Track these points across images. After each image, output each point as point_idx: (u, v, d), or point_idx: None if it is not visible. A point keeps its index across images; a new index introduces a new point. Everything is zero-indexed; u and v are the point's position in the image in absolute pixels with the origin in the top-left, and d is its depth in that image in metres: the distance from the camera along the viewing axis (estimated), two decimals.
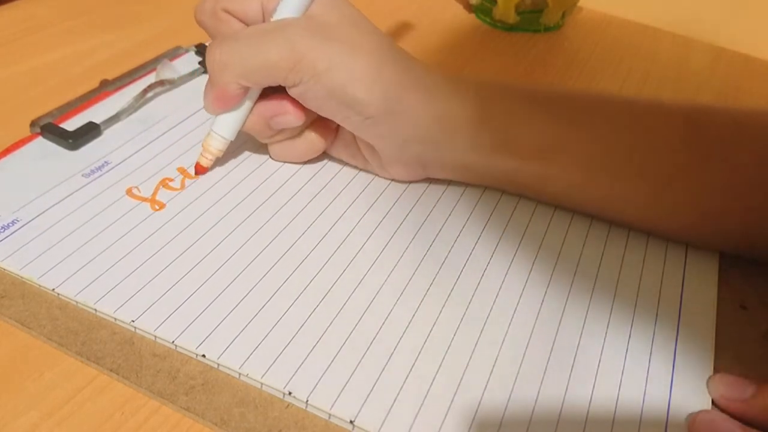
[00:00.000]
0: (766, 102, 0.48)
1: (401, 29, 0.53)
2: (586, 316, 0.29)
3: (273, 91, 0.33)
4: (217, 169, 0.36)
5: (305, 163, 0.37)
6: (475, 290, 0.30)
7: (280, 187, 0.35)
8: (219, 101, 0.33)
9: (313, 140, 0.36)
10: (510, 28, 0.54)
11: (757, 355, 0.29)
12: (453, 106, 0.33)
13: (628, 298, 0.31)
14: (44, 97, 0.41)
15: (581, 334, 0.29)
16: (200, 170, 0.35)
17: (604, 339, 0.29)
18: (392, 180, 0.36)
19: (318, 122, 0.35)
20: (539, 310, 0.30)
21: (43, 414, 0.25)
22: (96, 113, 0.39)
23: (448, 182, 0.36)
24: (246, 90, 0.33)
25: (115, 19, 0.51)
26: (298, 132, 0.35)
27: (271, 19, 0.32)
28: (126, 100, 0.40)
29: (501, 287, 0.30)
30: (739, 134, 0.32)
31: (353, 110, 0.32)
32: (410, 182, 0.36)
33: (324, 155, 0.37)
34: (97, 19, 0.51)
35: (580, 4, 0.54)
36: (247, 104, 0.33)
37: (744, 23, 0.59)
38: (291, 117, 0.33)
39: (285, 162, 0.37)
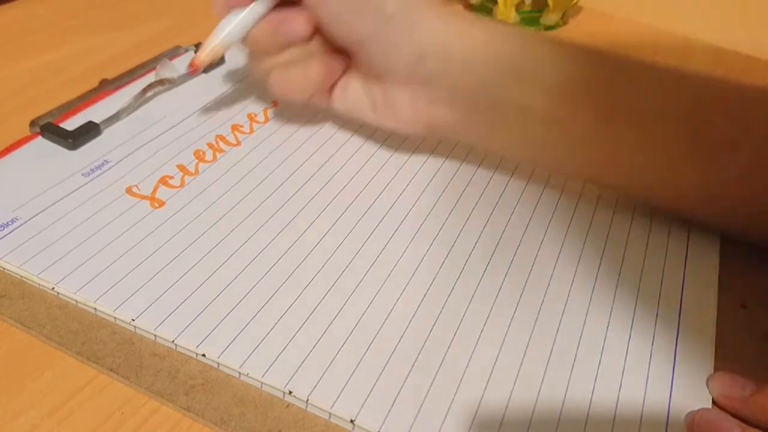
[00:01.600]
0: None
1: None
2: (585, 316, 0.29)
3: (284, 7, 0.33)
4: (217, 167, 0.36)
5: (306, 161, 0.37)
6: (475, 290, 0.30)
7: (281, 185, 0.35)
8: None
9: (313, 75, 0.34)
10: None
11: (757, 355, 0.29)
12: (476, 29, 0.31)
13: (628, 298, 0.31)
14: (44, 97, 0.41)
15: (581, 334, 0.29)
16: (193, 66, 0.35)
17: (604, 339, 0.29)
18: (393, 131, 0.35)
19: (325, 55, 0.34)
20: (539, 310, 0.30)
21: (42, 413, 0.25)
22: (96, 113, 0.39)
23: (448, 182, 0.36)
24: None
25: (115, 18, 0.51)
26: (303, 58, 0.34)
27: None
28: (126, 99, 0.40)
29: (501, 288, 0.30)
30: (747, 113, 0.31)
31: (368, 14, 0.31)
32: (411, 131, 0.35)
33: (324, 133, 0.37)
34: (96, 18, 0.51)
35: (580, 3, 0.54)
36: (258, 10, 0.33)
37: (744, 23, 0.59)
38: (297, 25, 0.33)
39: (285, 99, 0.36)
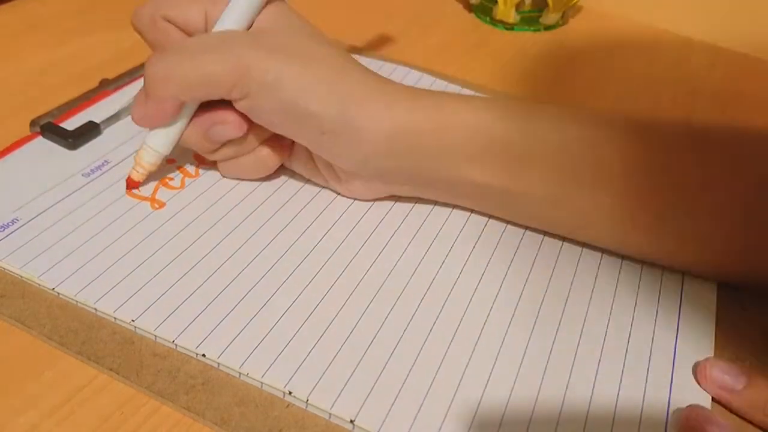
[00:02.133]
0: (764, 102, 0.48)
1: (401, 29, 0.53)
2: (585, 316, 0.29)
3: (213, 103, 0.31)
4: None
5: None
6: (475, 290, 0.30)
7: (281, 185, 0.35)
8: (155, 116, 0.31)
9: (264, 158, 0.33)
10: (510, 27, 0.54)
11: (756, 355, 0.29)
12: (417, 115, 0.30)
13: (628, 298, 0.31)
14: (44, 97, 0.41)
15: (581, 333, 0.29)
16: (132, 185, 0.33)
17: (604, 339, 0.29)
18: (354, 199, 0.34)
19: (270, 138, 0.33)
20: (539, 309, 0.30)
21: (42, 413, 0.25)
22: (96, 112, 0.39)
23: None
24: (182, 104, 0.31)
25: (115, 18, 0.51)
26: (249, 149, 0.33)
27: (215, 30, 0.31)
28: (126, 99, 0.40)
29: (500, 288, 0.30)
30: (731, 160, 0.30)
31: (307, 125, 0.30)
32: (372, 200, 0.34)
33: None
34: (96, 18, 0.51)
35: (580, 3, 0.54)
36: (185, 117, 0.31)
37: (744, 23, 0.59)
38: (230, 127, 0.31)
39: (237, 179, 0.35)
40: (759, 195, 0.30)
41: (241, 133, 0.32)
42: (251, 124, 0.31)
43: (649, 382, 0.27)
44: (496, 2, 0.53)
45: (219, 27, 0.31)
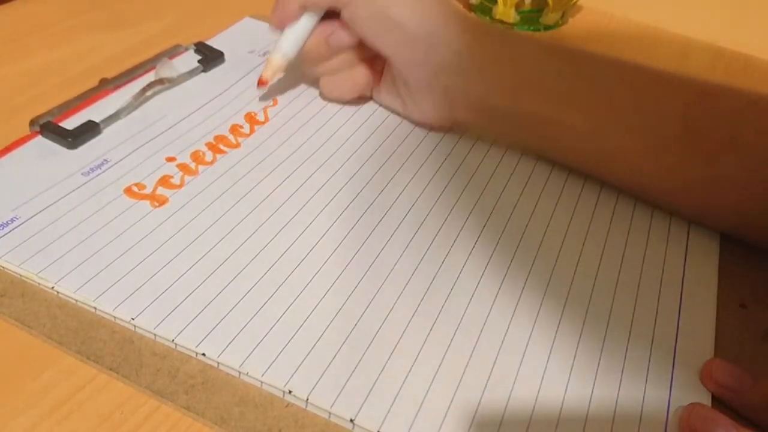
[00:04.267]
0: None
1: None
2: (585, 316, 0.29)
3: (331, 20, 0.38)
4: (217, 167, 0.36)
5: (305, 160, 0.37)
6: (474, 291, 0.30)
7: (279, 185, 0.35)
8: (284, 17, 0.38)
9: (360, 75, 0.40)
10: (510, 27, 0.54)
11: (756, 354, 0.29)
12: (484, 42, 0.36)
13: (628, 298, 0.31)
14: (44, 96, 0.41)
15: (581, 333, 0.29)
16: (261, 83, 0.39)
17: (604, 338, 0.29)
18: (422, 126, 0.40)
19: (366, 60, 0.40)
20: (538, 310, 0.30)
21: (42, 413, 0.25)
22: (95, 112, 0.39)
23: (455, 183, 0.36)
24: (303, 9, 0.38)
25: (115, 18, 0.51)
26: (349, 65, 0.39)
27: None
28: (125, 98, 0.40)
29: (500, 289, 0.30)
30: (746, 116, 0.33)
31: (393, 32, 0.36)
32: (435, 126, 0.39)
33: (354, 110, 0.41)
34: (96, 18, 0.51)
35: (579, 3, 0.54)
36: (308, 26, 0.38)
37: (744, 22, 0.59)
38: (345, 37, 0.38)
39: (334, 99, 0.41)
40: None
41: (352, 43, 0.38)
42: (356, 42, 0.38)
43: (649, 381, 0.27)
44: (496, 2, 0.53)
45: None
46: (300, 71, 0.42)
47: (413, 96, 0.39)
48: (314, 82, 0.43)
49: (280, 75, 0.40)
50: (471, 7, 0.56)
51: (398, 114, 0.41)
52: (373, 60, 0.40)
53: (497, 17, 0.53)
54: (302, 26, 0.38)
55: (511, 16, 0.53)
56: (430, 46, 0.36)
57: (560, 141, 0.37)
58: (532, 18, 0.54)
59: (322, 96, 0.42)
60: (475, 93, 0.37)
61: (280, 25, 0.39)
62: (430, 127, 0.40)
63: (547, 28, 0.54)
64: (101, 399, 0.25)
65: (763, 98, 0.33)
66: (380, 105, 0.42)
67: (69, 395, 0.25)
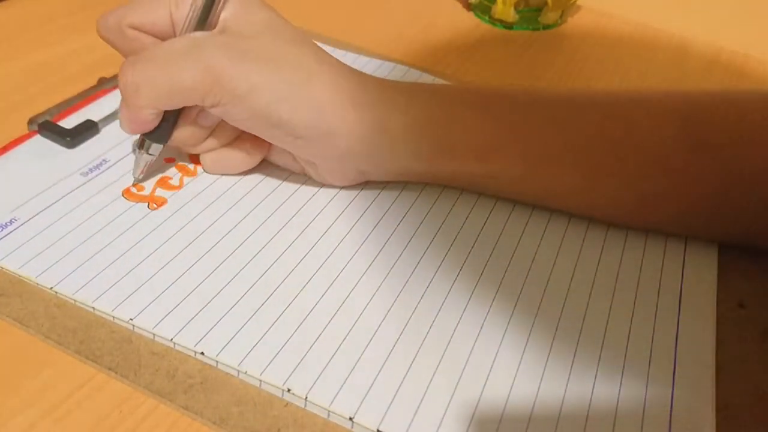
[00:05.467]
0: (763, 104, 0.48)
1: (400, 28, 0.53)
2: (584, 316, 0.29)
3: None
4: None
5: None
6: (474, 289, 0.30)
7: (279, 185, 0.35)
8: (135, 124, 0.31)
9: (247, 150, 0.34)
10: (509, 26, 0.54)
11: (756, 354, 0.29)
12: (390, 117, 0.31)
13: (627, 299, 0.31)
14: (41, 94, 0.41)
15: (580, 333, 0.29)
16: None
17: (603, 338, 0.29)
18: (331, 186, 0.35)
19: (249, 134, 0.33)
20: (537, 310, 0.29)
21: (40, 412, 0.25)
22: (94, 111, 0.39)
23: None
24: (161, 113, 0.31)
25: None
26: (230, 140, 0.33)
27: (184, 32, 0.30)
28: None
29: (499, 287, 0.30)
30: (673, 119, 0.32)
31: (281, 131, 0.30)
32: (349, 186, 0.35)
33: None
34: (93, 16, 0.50)
35: (579, 2, 0.54)
36: (172, 115, 0.31)
37: (742, 23, 0.59)
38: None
39: (221, 174, 0.35)
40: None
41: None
42: None
43: (650, 381, 0.27)
44: (495, 1, 0.53)
45: (187, 30, 0.30)
46: None
47: (317, 169, 0.34)
48: None
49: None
50: (470, 7, 0.56)
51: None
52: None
53: (496, 16, 0.53)
54: (166, 122, 0.31)
55: (511, 15, 0.53)
56: (329, 140, 0.30)
57: (492, 187, 0.34)
58: (531, 17, 0.54)
59: (206, 170, 0.35)
60: (391, 163, 0.33)
61: (137, 132, 0.32)
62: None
63: (546, 27, 0.54)
64: (99, 398, 0.25)
65: (677, 109, 0.33)
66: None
67: (67, 395, 0.25)
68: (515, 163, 0.32)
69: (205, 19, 0.30)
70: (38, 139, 0.37)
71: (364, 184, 0.35)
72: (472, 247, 0.32)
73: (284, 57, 0.30)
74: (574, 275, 0.31)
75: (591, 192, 0.33)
